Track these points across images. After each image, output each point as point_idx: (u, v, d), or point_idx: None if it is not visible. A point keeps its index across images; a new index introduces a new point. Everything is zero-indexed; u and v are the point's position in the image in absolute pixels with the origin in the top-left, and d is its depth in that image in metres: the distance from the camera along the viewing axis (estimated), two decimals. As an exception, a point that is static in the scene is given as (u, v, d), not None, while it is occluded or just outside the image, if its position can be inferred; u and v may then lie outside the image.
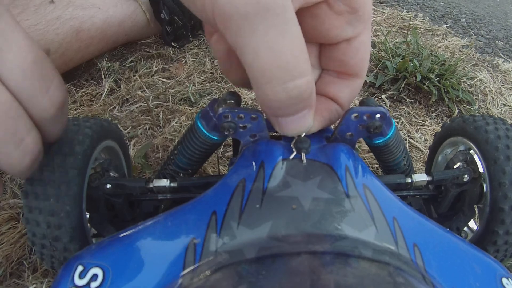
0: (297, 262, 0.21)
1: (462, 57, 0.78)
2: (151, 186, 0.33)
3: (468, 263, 0.24)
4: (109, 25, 0.65)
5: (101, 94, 0.63)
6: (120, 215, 0.35)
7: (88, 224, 0.33)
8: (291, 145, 0.27)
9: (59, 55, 0.59)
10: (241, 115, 0.27)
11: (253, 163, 0.26)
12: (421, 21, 1.00)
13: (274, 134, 0.32)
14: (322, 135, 0.30)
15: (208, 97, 0.63)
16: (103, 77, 0.66)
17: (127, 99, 0.63)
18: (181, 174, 0.34)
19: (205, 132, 0.30)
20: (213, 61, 0.72)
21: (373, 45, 0.80)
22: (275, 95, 0.20)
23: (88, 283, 0.22)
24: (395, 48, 0.76)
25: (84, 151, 0.30)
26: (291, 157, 0.27)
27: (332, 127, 0.31)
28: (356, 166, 0.26)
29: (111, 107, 0.61)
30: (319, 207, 0.24)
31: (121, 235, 0.25)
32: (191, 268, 0.22)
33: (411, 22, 0.96)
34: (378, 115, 0.28)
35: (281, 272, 0.20)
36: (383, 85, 0.70)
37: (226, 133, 0.28)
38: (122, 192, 0.33)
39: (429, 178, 0.34)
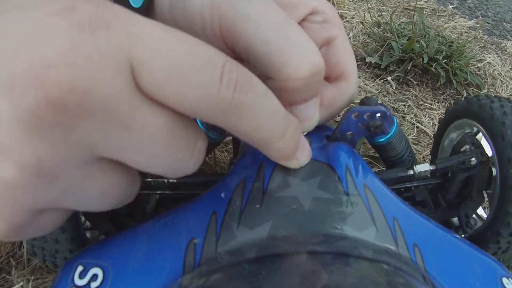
0: (297, 262, 0.21)
1: (470, 39, 0.74)
2: (149, 180, 0.32)
3: (468, 263, 0.24)
4: None
5: None
6: (116, 209, 0.34)
7: (82, 217, 0.32)
8: None
9: None
10: None
11: (253, 163, 0.26)
12: (427, 1, 0.98)
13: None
14: (322, 135, 0.30)
15: None
16: None
17: None
18: None
19: (204, 130, 0.30)
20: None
21: (378, 25, 0.77)
22: (297, 72, 0.20)
23: (88, 283, 0.22)
24: (401, 28, 0.73)
25: None
26: None
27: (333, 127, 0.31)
28: (357, 165, 0.26)
29: None
30: (319, 207, 0.24)
31: (121, 234, 0.25)
32: (191, 268, 0.22)
33: (416, 2, 0.93)
34: (378, 114, 0.28)
35: (281, 272, 0.20)
36: (389, 67, 0.67)
37: (226, 132, 0.27)
38: None
39: (432, 167, 0.33)
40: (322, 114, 0.28)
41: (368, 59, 0.68)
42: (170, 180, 0.33)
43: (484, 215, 0.38)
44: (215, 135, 0.31)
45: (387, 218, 0.24)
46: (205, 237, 0.23)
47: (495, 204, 0.31)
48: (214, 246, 0.23)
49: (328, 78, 0.29)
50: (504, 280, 0.24)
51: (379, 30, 0.75)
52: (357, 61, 0.68)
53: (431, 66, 0.66)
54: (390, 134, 0.32)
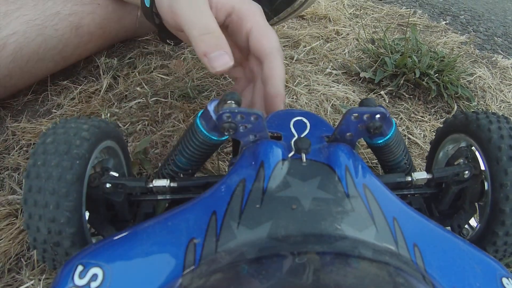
0: (297, 262, 0.21)
1: (461, 54, 0.77)
2: (151, 186, 0.32)
3: (468, 263, 0.24)
4: (108, 22, 0.64)
5: (100, 91, 0.63)
6: (120, 215, 0.35)
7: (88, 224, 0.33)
8: (291, 145, 0.27)
9: (58, 51, 0.58)
10: (241, 115, 0.27)
11: (253, 163, 0.26)
12: (420, 18, 1.01)
13: (274, 134, 0.32)
14: (322, 136, 0.30)
15: (206, 93, 0.63)
16: (101, 74, 0.66)
17: (126, 95, 0.63)
18: (180, 175, 0.34)
19: (205, 132, 0.30)
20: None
21: (372, 41, 0.80)
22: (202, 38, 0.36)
23: (88, 283, 0.22)
24: (394, 44, 0.76)
25: (82, 156, 0.29)
26: (290, 155, 0.27)
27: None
28: (356, 166, 0.26)
29: (110, 104, 0.61)
30: (319, 207, 0.24)
31: (121, 235, 0.25)
32: (191, 268, 0.22)
33: (410, 19, 0.96)
34: (378, 116, 0.28)
35: (281, 272, 0.20)
36: (382, 81, 0.70)
37: (226, 133, 0.27)
38: (122, 192, 0.33)
39: (429, 176, 0.34)
40: (257, 88, 0.42)
41: (362, 74, 0.71)
42: (171, 185, 0.33)
43: (475, 225, 0.39)
44: (215, 136, 0.31)
45: (387, 218, 0.24)
46: (205, 237, 0.23)
47: (485, 222, 0.32)
48: (214, 246, 0.23)
49: (259, 60, 0.40)
50: (504, 280, 0.24)
51: (373, 46, 0.78)
52: (351, 76, 0.71)
53: (423, 80, 0.69)
54: (388, 136, 0.32)
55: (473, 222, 0.39)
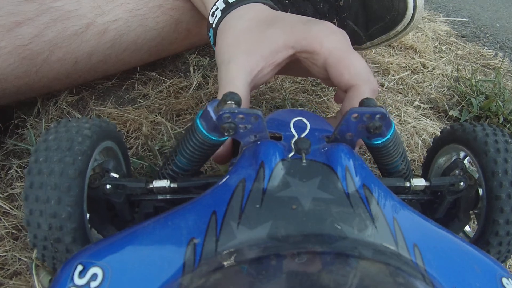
0: (297, 262, 0.21)
1: None
2: (151, 186, 0.33)
3: (468, 263, 0.24)
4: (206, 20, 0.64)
5: (189, 88, 0.61)
6: (120, 216, 0.35)
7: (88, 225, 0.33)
8: (291, 145, 0.27)
9: (155, 44, 0.58)
10: (241, 115, 0.27)
11: (253, 163, 0.26)
12: (501, 61, 1.00)
13: (274, 134, 0.32)
14: (322, 136, 0.30)
15: (299, 108, 0.62)
16: (191, 71, 0.65)
17: (215, 97, 0.60)
18: (181, 175, 0.34)
19: (205, 132, 0.30)
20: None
21: (457, 79, 0.79)
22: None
23: (88, 283, 0.22)
24: (479, 85, 0.77)
25: (84, 152, 0.30)
26: (290, 155, 0.27)
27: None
28: (356, 166, 0.26)
29: (201, 103, 0.59)
30: (319, 207, 0.24)
31: (121, 234, 0.25)
32: (191, 268, 0.22)
33: (492, 61, 0.96)
34: (378, 116, 0.28)
35: (281, 272, 0.20)
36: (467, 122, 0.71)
37: (226, 133, 0.28)
38: (122, 192, 0.33)
39: (427, 183, 0.34)
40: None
41: (451, 113, 0.71)
42: (172, 185, 0.33)
43: (469, 230, 0.39)
44: (215, 136, 0.31)
45: (387, 218, 0.24)
46: (205, 237, 0.23)
47: (479, 230, 0.33)
48: (214, 246, 0.23)
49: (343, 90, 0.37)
50: (504, 280, 0.24)
51: (459, 84, 0.78)
52: (438, 112, 0.71)
53: (505, 126, 0.69)
54: (387, 137, 0.32)
55: (467, 229, 0.39)
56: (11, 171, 0.47)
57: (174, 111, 0.57)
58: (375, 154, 0.35)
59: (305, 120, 0.29)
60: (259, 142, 0.28)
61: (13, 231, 0.40)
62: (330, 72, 0.36)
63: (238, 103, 0.29)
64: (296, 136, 0.28)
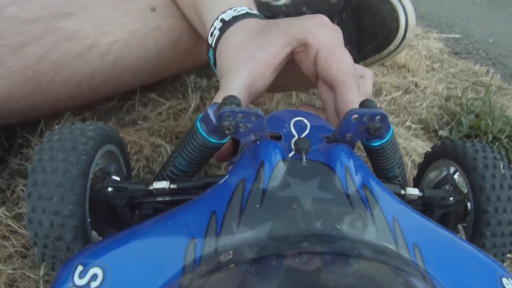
0: (297, 262, 0.21)
1: None
2: (151, 188, 0.33)
3: (468, 263, 0.24)
4: (205, 41, 0.63)
5: (187, 110, 0.61)
6: (121, 218, 0.35)
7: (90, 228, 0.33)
8: (291, 145, 0.27)
9: (154, 65, 0.57)
10: (241, 114, 0.27)
11: (253, 163, 0.26)
12: (493, 78, 1.00)
13: (274, 134, 0.32)
14: (322, 136, 0.30)
15: None
16: (189, 93, 0.64)
17: None
18: (180, 177, 0.34)
19: (205, 135, 0.30)
20: (298, 95, 0.71)
21: (448, 97, 0.80)
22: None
23: (88, 283, 0.22)
24: (469, 104, 0.77)
25: (88, 152, 0.30)
26: (290, 155, 0.27)
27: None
28: (356, 166, 0.26)
29: None
30: (319, 207, 0.24)
31: (121, 235, 0.25)
32: (191, 268, 0.22)
33: (483, 78, 0.96)
34: (378, 117, 0.28)
35: (281, 272, 0.20)
36: None
37: (226, 132, 0.28)
38: (123, 195, 0.33)
39: (420, 194, 0.35)
40: (332, 118, 0.37)
41: (440, 133, 0.72)
42: (171, 186, 0.33)
43: None
44: (215, 139, 0.31)
45: (387, 218, 0.24)
46: (205, 237, 0.23)
47: (470, 236, 0.34)
48: (214, 246, 0.23)
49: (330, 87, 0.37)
50: (504, 280, 0.24)
51: (449, 103, 0.78)
52: (429, 132, 0.71)
53: (494, 144, 0.69)
54: (386, 139, 0.32)
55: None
56: (17, 189, 0.47)
57: (173, 133, 0.57)
58: (373, 156, 0.35)
59: (305, 120, 0.29)
60: (259, 142, 0.28)
61: (21, 249, 0.40)
62: (319, 64, 0.36)
63: (238, 106, 0.29)
64: (296, 136, 0.28)
